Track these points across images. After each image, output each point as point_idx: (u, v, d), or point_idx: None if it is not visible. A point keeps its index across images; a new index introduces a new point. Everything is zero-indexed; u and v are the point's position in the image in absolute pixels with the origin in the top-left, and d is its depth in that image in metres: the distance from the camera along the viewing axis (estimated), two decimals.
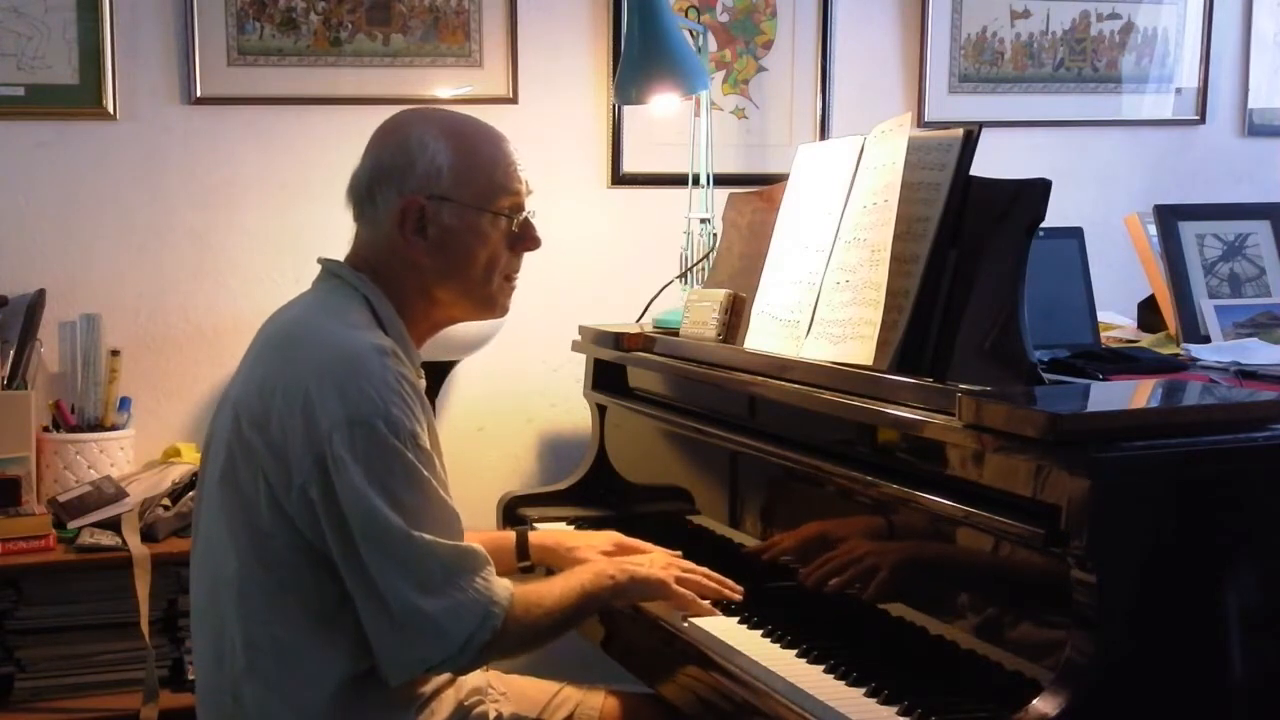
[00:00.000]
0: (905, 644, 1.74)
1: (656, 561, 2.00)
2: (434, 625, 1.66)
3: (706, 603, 1.96)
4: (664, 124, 3.02)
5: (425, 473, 1.70)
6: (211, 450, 1.82)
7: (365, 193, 1.85)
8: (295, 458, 1.68)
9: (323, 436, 1.66)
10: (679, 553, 2.08)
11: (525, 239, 1.90)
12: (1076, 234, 2.33)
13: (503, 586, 1.73)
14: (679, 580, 1.96)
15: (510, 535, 2.20)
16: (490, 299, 1.90)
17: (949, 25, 3.32)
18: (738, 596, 1.98)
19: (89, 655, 2.57)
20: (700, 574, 2.00)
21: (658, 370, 2.41)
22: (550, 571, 2.12)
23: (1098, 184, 3.39)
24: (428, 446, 1.73)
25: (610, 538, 2.16)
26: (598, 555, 2.08)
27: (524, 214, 1.89)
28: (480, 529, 2.18)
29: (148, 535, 2.58)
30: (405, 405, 1.69)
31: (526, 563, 2.17)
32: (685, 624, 1.92)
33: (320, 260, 1.89)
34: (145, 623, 2.50)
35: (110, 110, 2.82)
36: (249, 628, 1.73)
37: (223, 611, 1.76)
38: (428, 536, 1.67)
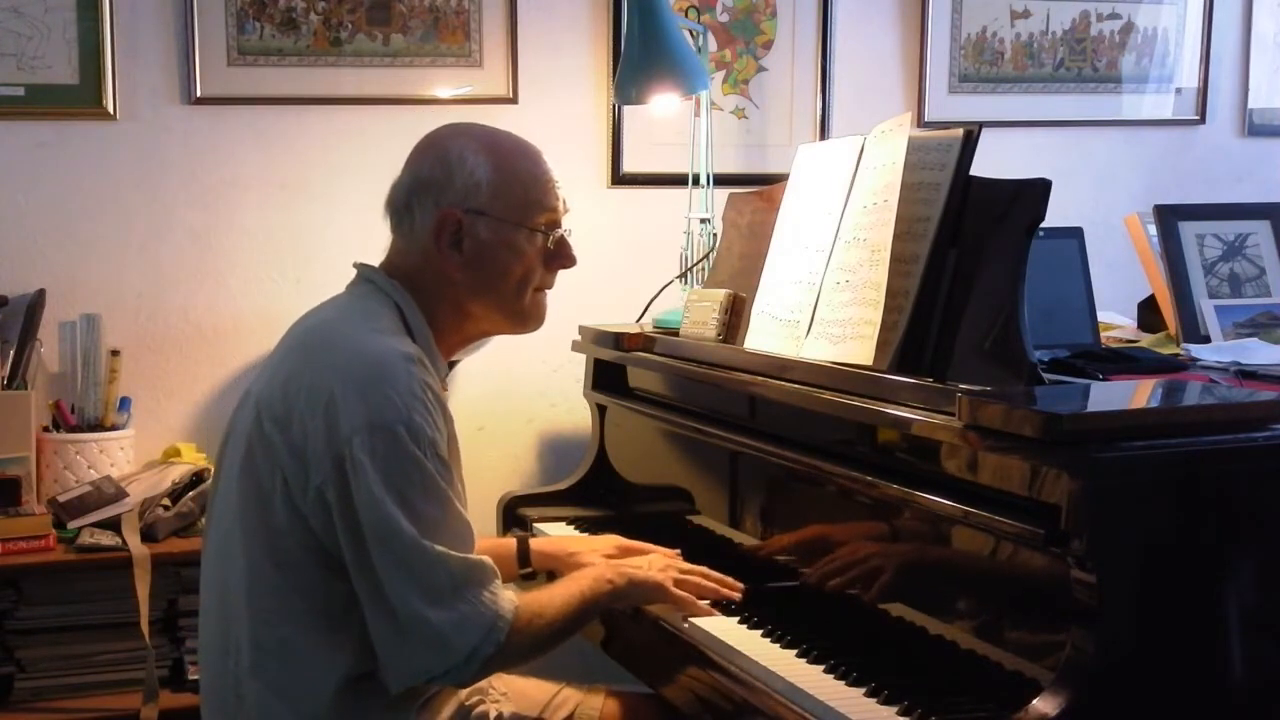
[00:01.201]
0: (905, 644, 1.74)
1: (654, 564, 2.01)
2: (439, 636, 1.66)
3: (705, 603, 1.96)
4: (664, 124, 3.02)
5: (442, 483, 1.70)
6: (231, 444, 1.82)
7: (403, 205, 1.86)
8: (314, 458, 1.68)
9: (343, 439, 1.66)
10: (678, 552, 2.08)
11: (560, 256, 1.92)
12: (1076, 234, 2.33)
13: (508, 600, 1.73)
14: (677, 582, 1.97)
15: (511, 542, 2.20)
16: (523, 313, 1.91)
17: (949, 25, 3.32)
18: (737, 595, 1.98)
19: (89, 655, 2.57)
20: (699, 574, 2.00)
21: (658, 370, 2.41)
22: (552, 576, 2.12)
23: (1098, 184, 3.38)
24: (446, 457, 1.73)
25: (612, 541, 2.17)
26: (600, 559, 2.08)
27: (560, 231, 1.90)
28: (480, 532, 2.19)
29: (148, 535, 2.58)
30: (428, 413, 1.70)
31: (528, 569, 2.18)
32: (685, 624, 1.93)
33: (356, 265, 1.90)
34: (145, 623, 2.50)
35: (110, 110, 2.82)
36: (255, 626, 1.73)
37: (230, 608, 1.76)
38: (439, 547, 1.67)
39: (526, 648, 1.76)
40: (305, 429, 1.69)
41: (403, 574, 1.66)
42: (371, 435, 1.66)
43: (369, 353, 1.72)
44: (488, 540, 2.24)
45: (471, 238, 1.83)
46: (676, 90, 2.69)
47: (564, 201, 1.92)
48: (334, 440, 1.67)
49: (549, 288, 1.94)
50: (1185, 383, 1.87)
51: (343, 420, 1.67)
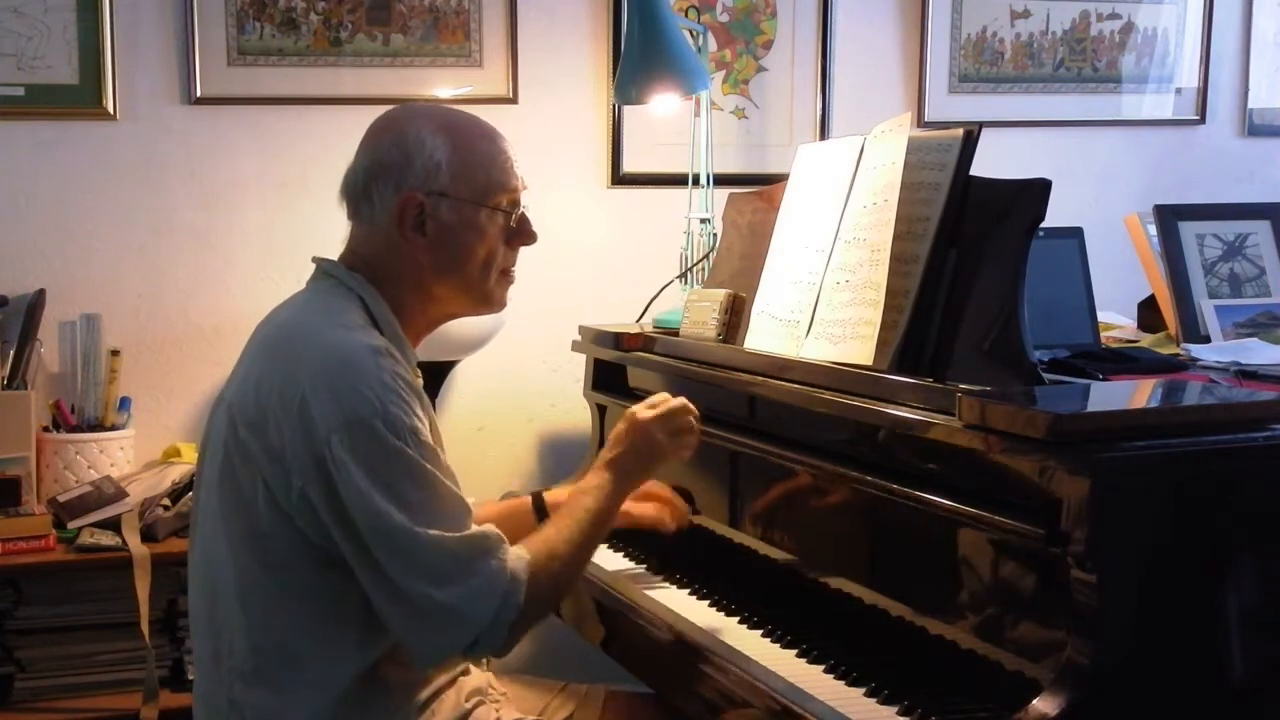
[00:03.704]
0: (905, 644, 1.74)
1: (634, 425, 1.94)
2: (455, 613, 1.65)
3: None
4: (664, 124, 3.02)
5: (429, 467, 1.69)
6: (208, 453, 1.81)
7: (362, 191, 1.84)
8: (294, 460, 1.67)
9: (321, 440, 1.65)
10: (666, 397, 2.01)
11: (522, 234, 1.90)
12: (1076, 234, 2.33)
13: (517, 558, 1.70)
14: (674, 438, 1.94)
15: (526, 499, 2.18)
16: (488, 295, 1.90)
17: (949, 25, 3.32)
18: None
19: (89, 655, 2.57)
20: (681, 411, 1.96)
21: (658, 370, 2.41)
22: None
23: (1098, 184, 3.39)
24: (430, 441, 1.72)
25: None
26: None
27: (520, 209, 1.90)
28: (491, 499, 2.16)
29: (148, 535, 2.58)
30: (403, 402, 1.69)
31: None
32: (685, 623, 1.92)
33: (315, 259, 1.89)
34: (145, 623, 2.50)
35: (110, 110, 2.82)
36: (253, 633, 1.73)
37: (222, 616, 1.75)
38: (434, 531, 1.65)
39: (552, 592, 1.75)
40: (281, 432, 1.68)
41: (405, 564, 1.65)
42: (349, 432, 1.65)
43: (336, 349, 1.71)
44: (504, 504, 2.24)
45: (434, 220, 1.82)
46: (676, 90, 2.69)
47: (522, 179, 1.90)
48: (312, 441, 1.66)
49: (512, 266, 1.92)
50: (1185, 383, 1.87)
51: (318, 420, 1.66)
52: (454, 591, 1.65)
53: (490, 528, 1.72)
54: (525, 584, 1.69)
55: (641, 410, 1.96)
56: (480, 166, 1.85)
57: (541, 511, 2.15)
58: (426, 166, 1.81)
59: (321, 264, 1.88)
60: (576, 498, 1.88)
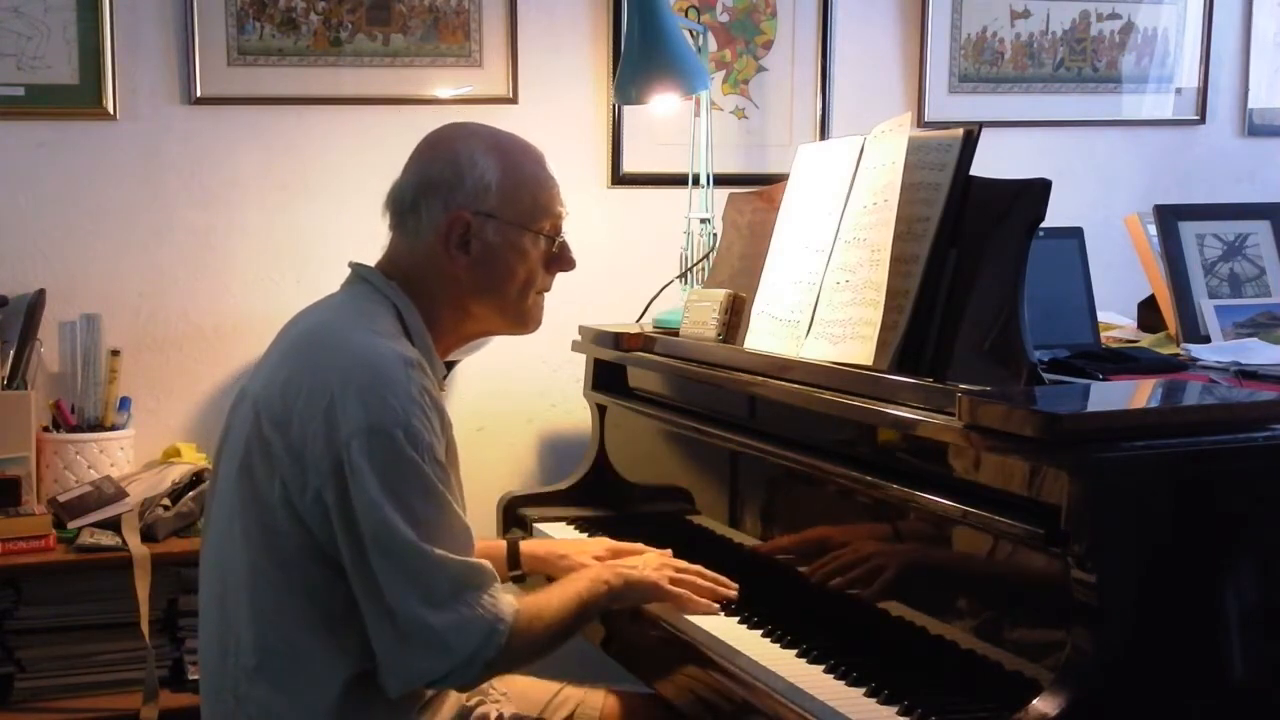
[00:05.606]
0: (905, 644, 1.74)
1: (650, 563, 2.01)
2: (439, 640, 1.66)
3: (704, 600, 1.96)
4: (664, 124, 3.02)
5: (440, 486, 1.70)
6: (228, 444, 1.82)
7: (409, 205, 1.86)
8: (313, 461, 1.68)
9: (342, 443, 1.66)
10: (669, 551, 2.08)
11: (562, 260, 1.94)
12: (1076, 234, 2.33)
13: (508, 603, 1.73)
14: (673, 580, 1.97)
15: (501, 544, 2.21)
16: (524, 315, 1.93)
17: (949, 25, 3.32)
18: (733, 594, 1.98)
19: (89, 655, 2.57)
20: (694, 573, 2.01)
21: (658, 370, 2.41)
22: (548, 580, 2.12)
23: (1098, 184, 3.39)
24: (444, 460, 1.73)
25: (602, 543, 2.18)
26: (590, 561, 2.08)
27: (562, 236, 1.92)
28: (479, 535, 2.18)
29: (148, 535, 2.58)
30: (426, 418, 1.70)
31: (518, 572, 2.19)
32: (685, 623, 1.92)
33: (351, 264, 1.90)
34: (145, 623, 2.50)
35: (110, 110, 2.82)
36: (259, 627, 1.73)
37: (231, 609, 1.76)
38: (438, 551, 1.67)
39: (527, 650, 1.76)
40: (304, 432, 1.69)
41: (401, 578, 1.66)
42: (369, 439, 1.66)
43: (369, 356, 1.72)
44: (480, 543, 2.25)
45: (479, 240, 1.84)
46: (676, 90, 2.69)
47: (565, 206, 1.93)
48: (333, 443, 1.67)
49: (547, 290, 1.96)
50: (1185, 383, 1.87)
51: (341, 423, 1.67)
52: (444, 617, 1.66)
53: (487, 563, 1.73)
54: (510, 628, 1.70)
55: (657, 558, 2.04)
56: (528, 190, 1.88)
57: (515, 561, 2.18)
58: (477, 186, 1.84)
59: (357, 269, 1.89)
60: (573, 580, 1.91)
